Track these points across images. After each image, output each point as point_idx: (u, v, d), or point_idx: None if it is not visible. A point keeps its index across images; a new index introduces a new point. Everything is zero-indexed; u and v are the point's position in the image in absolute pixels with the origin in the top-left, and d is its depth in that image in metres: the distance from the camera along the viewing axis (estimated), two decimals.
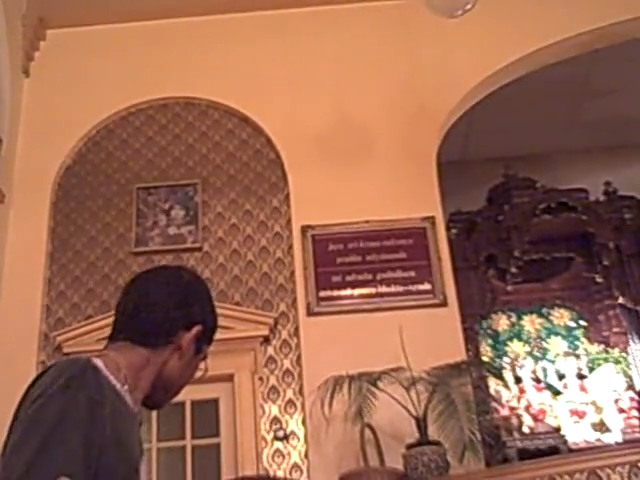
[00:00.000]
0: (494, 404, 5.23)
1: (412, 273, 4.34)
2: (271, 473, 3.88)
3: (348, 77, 4.90)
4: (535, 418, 5.27)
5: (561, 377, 5.56)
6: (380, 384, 3.61)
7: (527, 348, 5.73)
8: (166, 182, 4.74)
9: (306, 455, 3.96)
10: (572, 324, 5.82)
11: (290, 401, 4.09)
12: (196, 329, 1.36)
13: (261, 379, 4.14)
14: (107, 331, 1.38)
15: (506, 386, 5.33)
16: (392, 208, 4.48)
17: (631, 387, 5.44)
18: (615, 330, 5.67)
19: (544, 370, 5.62)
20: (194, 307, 1.39)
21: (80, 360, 1.21)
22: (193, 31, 5.12)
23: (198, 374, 1.43)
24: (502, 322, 5.81)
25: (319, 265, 4.37)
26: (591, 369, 5.60)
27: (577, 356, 5.68)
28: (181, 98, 5.01)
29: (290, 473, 3.92)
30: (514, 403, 5.38)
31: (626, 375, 5.53)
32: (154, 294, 1.37)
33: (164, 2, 5.06)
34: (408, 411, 3.54)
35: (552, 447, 4.89)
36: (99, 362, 1.23)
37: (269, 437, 4.01)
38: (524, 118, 6.29)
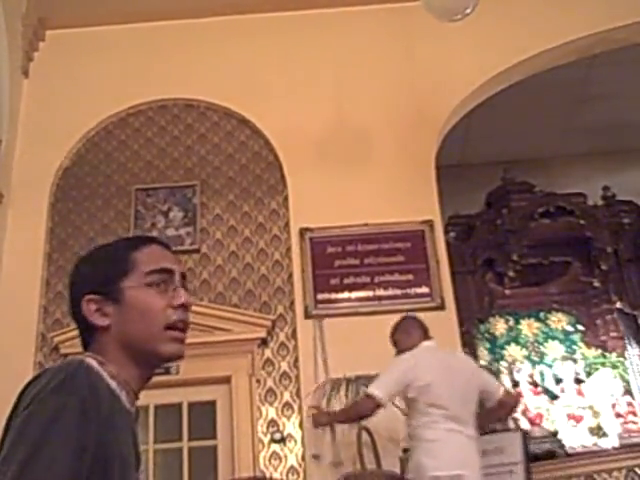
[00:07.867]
0: None
1: (410, 276, 4.34)
2: (268, 475, 3.87)
3: (347, 80, 4.91)
4: (532, 422, 5.26)
5: (558, 381, 5.55)
6: None
7: (524, 352, 5.72)
8: (165, 184, 4.74)
9: (303, 458, 3.95)
10: (570, 328, 5.81)
11: (287, 403, 4.09)
12: (86, 301, 1.22)
13: (258, 381, 4.14)
14: None
15: None
16: (390, 211, 4.48)
17: (628, 392, 5.44)
18: (612, 335, 5.66)
19: (541, 374, 5.60)
20: (78, 285, 1.26)
21: (73, 362, 1.14)
22: (193, 33, 5.12)
23: (180, 300, 1.25)
24: (500, 326, 5.80)
25: (317, 268, 4.37)
26: (588, 373, 5.59)
27: (574, 360, 5.66)
28: (180, 100, 5.01)
29: (287, 476, 3.92)
30: None
31: (623, 380, 5.52)
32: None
33: (164, 4, 5.07)
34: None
35: (549, 451, 4.87)
36: (93, 361, 1.17)
37: (266, 439, 4.00)
38: (522, 122, 6.29)
